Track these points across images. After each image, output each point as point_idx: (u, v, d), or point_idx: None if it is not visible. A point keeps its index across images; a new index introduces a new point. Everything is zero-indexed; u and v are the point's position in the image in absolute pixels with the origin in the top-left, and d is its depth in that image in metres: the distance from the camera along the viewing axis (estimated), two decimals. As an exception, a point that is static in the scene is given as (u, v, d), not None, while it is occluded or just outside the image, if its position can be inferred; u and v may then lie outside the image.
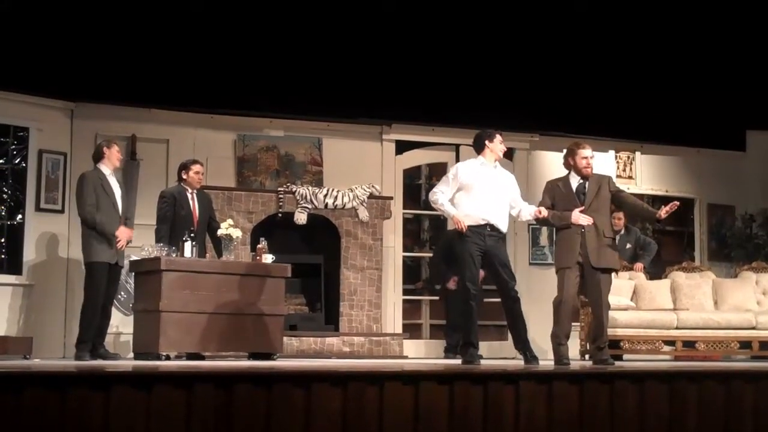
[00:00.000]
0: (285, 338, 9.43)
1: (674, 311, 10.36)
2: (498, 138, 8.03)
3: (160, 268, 8.46)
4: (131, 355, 9.08)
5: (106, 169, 8.77)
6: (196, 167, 9.30)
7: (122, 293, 10.25)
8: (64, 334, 10.18)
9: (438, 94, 11.20)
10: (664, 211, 7.78)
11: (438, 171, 11.75)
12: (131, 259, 9.34)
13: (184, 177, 9.27)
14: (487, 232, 7.77)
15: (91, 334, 8.58)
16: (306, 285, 10.73)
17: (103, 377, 5.13)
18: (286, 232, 10.63)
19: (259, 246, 9.33)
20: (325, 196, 10.58)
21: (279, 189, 10.59)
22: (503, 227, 7.89)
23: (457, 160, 11.58)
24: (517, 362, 8.09)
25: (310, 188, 10.63)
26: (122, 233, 8.74)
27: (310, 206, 10.45)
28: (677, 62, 11.94)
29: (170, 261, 8.59)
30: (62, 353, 10.02)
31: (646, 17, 11.76)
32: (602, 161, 12.25)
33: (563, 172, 8.10)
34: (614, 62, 11.78)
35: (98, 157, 8.81)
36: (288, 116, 11.19)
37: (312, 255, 10.80)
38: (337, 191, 10.79)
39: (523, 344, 7.82)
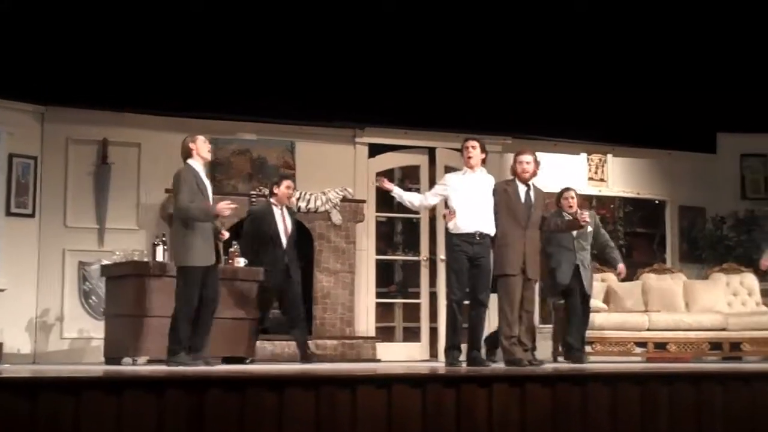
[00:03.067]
0: (258, 342, 9.41)
1: (646, 313, 10.42)
2: (464, 146, 8.33)
3: (131, 272, 8.42)
4: (102, 359, 9.01)
5: (197, 164, 8.11)
6: (286, 182, 9.42)
7: (93, 297, 10.20)
8: (35, 339, 10.11)
9: (411, 98, 11.19)
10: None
11: (411, 174, 11.76)
12: (102, 263, 9.30)
13: (276, 192, 9.35)
14: (476, 240, 8.05)
15: (185, 342, 7.82)
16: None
17: (73, 382, 5.09)
18: (258, 235, 10.58)
19: (232, 250, 9.32)
20: (298, 199, 10.56)
21: (251, 192, 10.55)
22: (491, 232, 8.16)
23: (431, 163, 11.61)
24: (498, 365, 8.13)
25: (282, 192, 10.60)
26: (221, 206, 7.96)
27: (282, 209, 10.42)
28: (648, 65, 12.00)
29: (141, 265, 8.55)
30: (32, 359, 9.95)
31: (617, 21, 11.81)
32: (574, 164, 12.35)
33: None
34: (586, 66, 11.81)
35: (187, 153, 8.11)
36: (260, 120, 11.16)
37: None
38: (310, 194, 10.77)
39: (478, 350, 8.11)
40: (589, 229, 9.41)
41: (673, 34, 12.01)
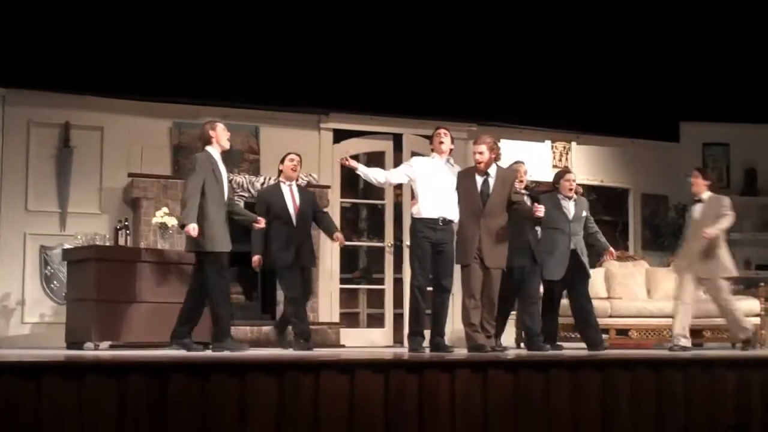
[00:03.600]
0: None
1: (608, 300, 10.48)
2: (434, 134, 8.43)
3: (93, 256, 8.37)
4: (64, 344, 8.95)
5: (215, 152, 8.17)
6: (289, 156, 9.15)
7: (55, 282, 10.12)
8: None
9: (376, 83, 11.17)
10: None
11: (376, 159, 11.74)
12: (64, 247, 9.22)
13: (281, 169, 9.16)
14: (439, 226, 8.15)
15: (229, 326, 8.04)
16: (242, 274, 10.63)
17: (33, 367, 5.06)
18: (222, 220, 10.53)
19: (195, 235, 9.25)
20: (262, 184, 10.50)
21: (215, 177, 10.47)
22: (455, 218, 8.24)
23: (396, 149, 11.61)
24: (460, 351, 8.16)
25: (246, 176, 10.55)
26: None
27: (246, 194, 10.37)
28: (612, 55, 12.04)
29: (103, 249, 8.51)
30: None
31: (581, 11, 11.83)
32: (538, 151, 12.40)
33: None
34: (550, 54, 11.85)
35: (206, 140, 8.19)
36: (224, 104, 11.07)
37: (248, 243, 10.66)
38: (274, 180, 10.73)
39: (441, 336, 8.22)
40: (584, 213, 9.35)
41: (637, 25, 12.08)
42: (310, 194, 9.43)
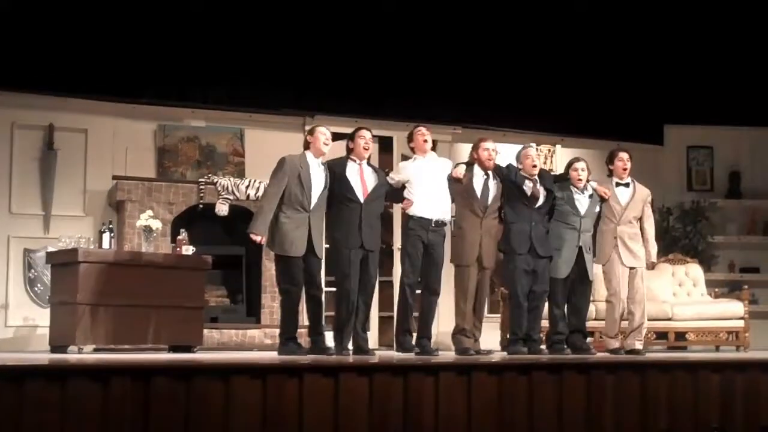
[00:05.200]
0: (206, 330, 9.34)
1: (592, 302, 10.48)
2: (415, 132, 8.31)
3: (77, 259, 8.33)
4: (47, 348, 8.91)
5: (311, 157, 7.84)
6: (359, 133, 8.14)
7: (39, 285, 10.09)
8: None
9: (361, 86, 11.19)
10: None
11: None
12: (48, 250, 9.18)
13: (351, 147, 8.13)
14: (432, 227, 8.08)
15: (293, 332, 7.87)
16: (227, 277, 10.63)
17: (16, 371, 5.03)
18: (207, 223, 10.51)
19: (180, 237, 9.26)
20: (247, 187, 10.48)
21: (200, 180, 10.47)
22: (447, 219, 8.22)
23: (381, 151, 11.59)
24: (445, 353, 8.16)
25: (231, 179, 10.52)
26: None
27: (231, 197, 10.35)
28: (597, 58, 12.08)
29: (87, 252, 8.47)
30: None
31: (565, 15, 11.87)
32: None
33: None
34: (535, 57, 11.88)
35: (305, 144, 7.95)
36: (210, 106, 11.07)
37: (233, 246, 10.69)
38: (259, 182, 10.67)
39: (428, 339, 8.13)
40: (597, 209, 8.67)
41: (622, 28, 12.11)
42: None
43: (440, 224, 8.14)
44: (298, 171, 7.76)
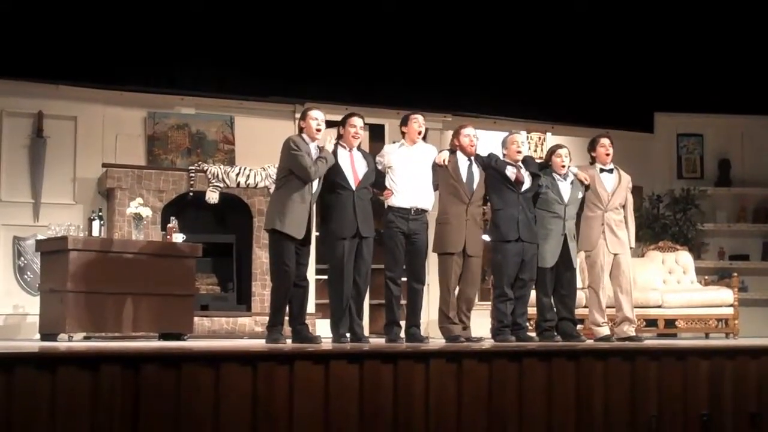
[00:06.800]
0: (196, 318, 9.35)
1: (582, 290, 10.51)
2: (411, 119, 8.23)
3: (66, 247, 8.32)
4: (37, 336, 8.90)
5: (309, 141, 7.70)
6: (350, 120, 8.04)
7: (29, 273, 10.07)
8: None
9: (352, 74, 11.16)
10: None
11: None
12: (37, 238, 9.16)
13: (341, 133, 8.06)
14: (411, 216, 8.03)
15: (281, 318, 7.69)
16: (218, 264, 10.63)
17: (6, 358, 5.02)
18: (197, 211, 10.51)
19: (170, 225, 9.24)
20: (238, 174, 10.47)
21: (190, 167, 10.45)
22: (428, 207, 8.16)
23: (371, 139, 11.58)
24: (437, 341, 8.17)
25: (221, 167, 10.51)
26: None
27: (221, 185, 10.35)
28: (587, 46, 12.08)
29: (77, 240, 8.46)
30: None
31: (557, 1, 11.87)
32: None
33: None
34: (526, 45, 11.87)
35: (299, 130, 7.83)
36: (200, 94, 11.05)
37: (224, 234, 10.69)
38: (250, 170, 10.67)
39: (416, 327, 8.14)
40: (580, 195, 8.68)
41: (613, 17, 12.11)
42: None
43: (420, 212, 8.07)
44: (307, 152, 7.68)
